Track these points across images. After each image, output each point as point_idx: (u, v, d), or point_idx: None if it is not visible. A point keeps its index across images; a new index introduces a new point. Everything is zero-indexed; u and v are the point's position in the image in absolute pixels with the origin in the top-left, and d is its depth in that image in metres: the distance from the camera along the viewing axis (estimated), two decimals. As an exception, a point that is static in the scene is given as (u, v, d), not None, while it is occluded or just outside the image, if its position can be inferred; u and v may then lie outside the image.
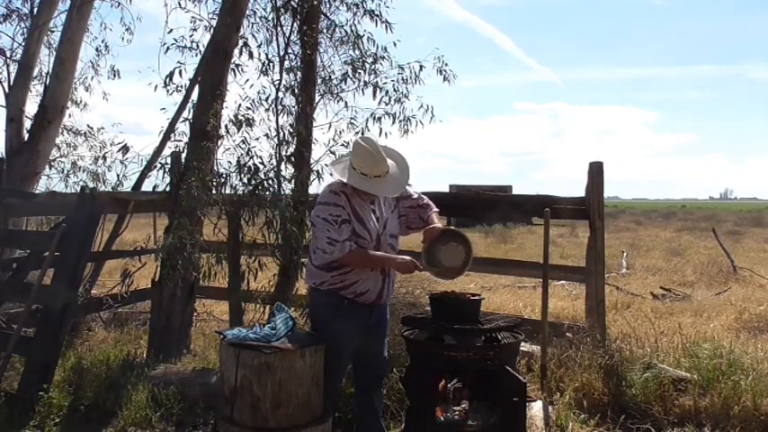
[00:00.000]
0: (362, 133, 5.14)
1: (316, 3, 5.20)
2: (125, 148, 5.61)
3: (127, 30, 8.44)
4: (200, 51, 5.70)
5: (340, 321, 3.13)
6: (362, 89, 5.28)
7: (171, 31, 5.48)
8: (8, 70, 7.40)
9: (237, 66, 5.11)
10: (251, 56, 5.12)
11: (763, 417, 3.87)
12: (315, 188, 5.08)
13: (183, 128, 5.47)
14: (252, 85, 5.05)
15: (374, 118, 5.21)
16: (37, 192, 6.63)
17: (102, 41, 8.44)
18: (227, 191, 4.95)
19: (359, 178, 3.03)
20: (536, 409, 3.97)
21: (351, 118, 5.24)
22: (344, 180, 3.07)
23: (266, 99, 4.99)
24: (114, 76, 8.44)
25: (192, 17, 5.62)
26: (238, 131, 4.82)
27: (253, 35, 5.24)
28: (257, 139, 4.89)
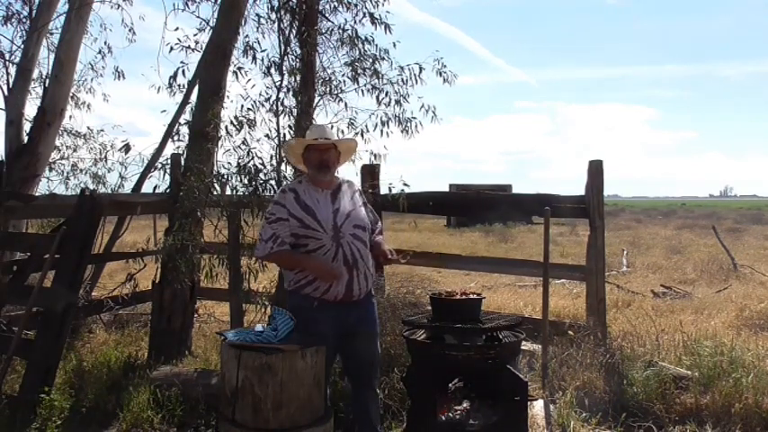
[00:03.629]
0: (363, 134, 5.14)
1: (312, 4, 5.19)
2: (127, 147, 5.63)
3: (129, 30, 8.48)
4: (198, 50, 5.72)
5: (312, 324, 3.10)
6: (362, 90, 5.28)
7: (177, 29, 5.49)
8: (7, 72, 7.40)
9: (240, 68, 5.11)
10: (246, 54, 5.12)
11: (764, 414, 3.87)
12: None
13: (183, 129, 5.50)
14: (254, 86, 5.05)
15: (381, 121, 5.19)
16: (37, 194, 6.64)
17: (105, 43, 8.47)
18: (228, 192, 4.95)
19: (305, 138, 3.35)
20: (537, 407, 3.98)
21: (351, 119, 5.24)
22: (295, 142, 3.37)
23: (267, 100, 4.99)
24: (119, 77, 8.46)
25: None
26: (239, 132, 4.82)
27: (257, 40, 5.23)
28: (258, 140, 4.89)
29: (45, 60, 7.68)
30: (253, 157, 4.80)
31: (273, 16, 5.25)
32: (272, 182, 4.86)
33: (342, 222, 3.16)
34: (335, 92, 5.30)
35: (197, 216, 5.00)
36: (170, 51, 5.42)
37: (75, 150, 8.38)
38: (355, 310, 3.21)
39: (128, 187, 6.65)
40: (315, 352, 2.95)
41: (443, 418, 3.28)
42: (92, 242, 4.71)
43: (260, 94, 5.00)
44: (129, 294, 6.09)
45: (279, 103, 4.99)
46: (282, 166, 4.94)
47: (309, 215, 3.12)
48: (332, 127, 5.16)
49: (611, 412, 4.05)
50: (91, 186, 7.67)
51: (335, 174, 3.40)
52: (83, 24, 7.06)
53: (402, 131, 5.25)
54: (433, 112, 5.30)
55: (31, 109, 7.11)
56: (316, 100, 5.28)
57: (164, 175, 5.32)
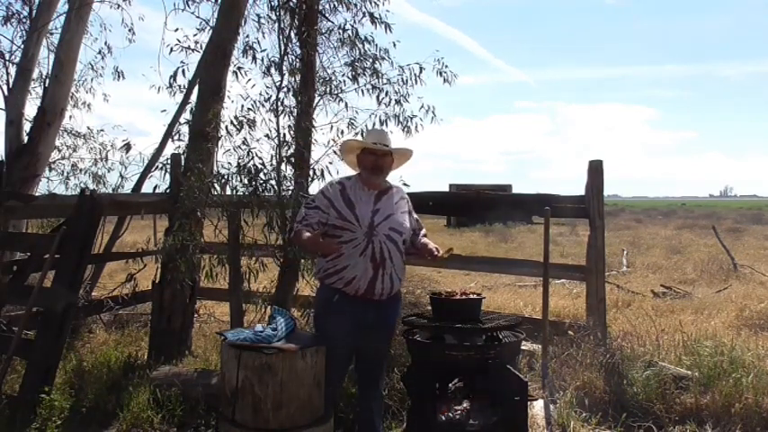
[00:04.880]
0: (362, 134, 5.14)
1: (312, 4, 5.19)
2: (127, 146, 5.63)
3: (129, 30, 8.49)
4: (198, 51, 5.72)
5: (331, 318, 3.21)
6: (362, 90, 5.27)
7: (177, 29, 5.49)
8: (7, 72, 7.40)
9: (240, 68, 5.11)
10: (246, 54, 5.12)
11: (764, 414, 3.88)
12: (315, 188, 5.08)
13: (183, 129, 5.50)
14: (254, 86, 5.05)
15: (379, 120, 5.20)
16: (37, 194, 6.63)
17: (105, 43, 8.48)
18: (228, 192, 4.95)
19: (365, 140, 3.48)
20: (537, 407, 3.98)
21: (350, 118, 5.24)
22: (358, 140, 3.54)
23: (267, 100, 4.98)
24: (118, 77, 8.46)
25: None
26: (239, 132, 4.82)
27: (257, 40, 5.23)
28: (258, 140, 4.89)
29: (45, 60, 7.70)
30: (253, 157, 4.80)
31: (273, 16, 5.25)
32: (272, 182, 4.86)
33: (379, 222, 3.22)
34: (335, 92, 5.29)
35: (197, 216, 5.00)
36: (170, 52, 5.42)
37: (75, 150, 8.40)
38: (374, 310, 3.23)
39: (128, 187, 6.67)
40: (315, 352, 2.95)
41: (443, 418, 3.28)
42: (92, 242, 4.71)
43: (260, 94, 4.99)
44: (129, 294, 6.09)
45: (279, 103, 4.98)
46: (282, 166, 4.94)
47: (349, 208, 3.21)
48: (332, 127, 5.18)
49: (611, 412, 4.05)
50: (91, 186, 7.68)
51: (387, 179, 3.43)
52: (83, 24, 7.06)
53: (402, 131, 5.25)
54: (433, 113, 5.31)
55: (31, 109, 7.11)
56: (316, 100, 5.28)
57: (164, 174, 5.33)
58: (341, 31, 5.36)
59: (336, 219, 3.20)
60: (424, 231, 3.52)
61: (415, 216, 3.51)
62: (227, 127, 4.87)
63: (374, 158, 3.30)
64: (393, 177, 4.90)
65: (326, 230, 3.23)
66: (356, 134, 5.14)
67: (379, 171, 3.31)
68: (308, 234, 3.15)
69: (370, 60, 5.26)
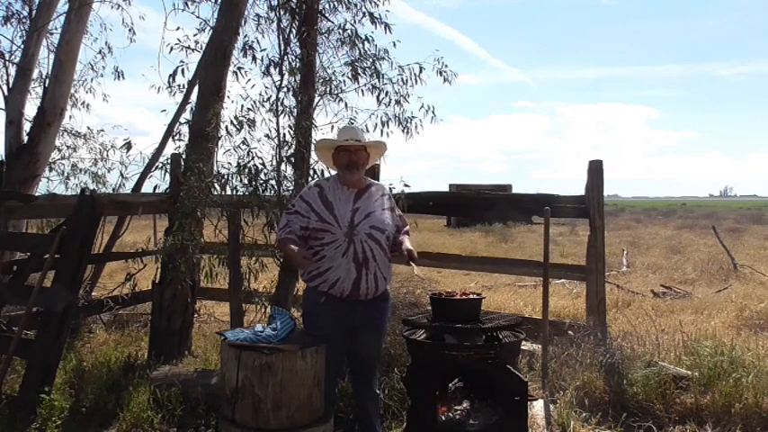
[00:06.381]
0: (363, 134, 5.14)
1: (311, 3, 5.19)
2: (128, 145, 5.63)
3: (129, 30, 8.49)
4: (198, 50, 5.72)
5: (319, 318, 3.22)
6: (362, 90, 5.28)
7: (178, 28, 5.49)
8: (7, 73, 7.40)
9: (240, 68, 5.12)
10: (246, 54, 5.12)
11: (764, 414, 3.87)
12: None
13: (183, 129, 5.50)
14: (254, 86, 5.05)
15: (380, 120, 5.21)
16: (37, 194, 6.64)
17: (105, 43, 8.48)
18: (228, 192, 4.95)
19: (334, 138, 3.48)
20: (537, 407, 3.98)
21: (351, 119, 5.24)
22: (331, 138, 3.50)
23: (267, 100, 4.99)
24: (118, 77, 8.45)
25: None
26: (239, 132, 4.82)
27: (256, 40, 5.23)
28: (258, 140, 4.89)
29: (45, 60, 7.70)
30: (253, 158, 4.80)
31: (273, 16, 5.25)
32: (272, 182, 4.86)
33: (359, 221, 3.20)
34: (335, 92, 5.29)
35: (197, 216, 5.00)
36: (170, 51, 5.43)
37: (75, 150, 8.40)
38: (361, 310, 3.23)
39: (128, 187, 6.67)
40: (315, 352, 2.95)
41: (443, 418, 3.28)
42: (92, 242, 4.71)
43: (260, 94, 4.99)
44: (129, 294, 6.09)
45: (279, 103, 4.98)
46: (282, 166, 4.94)
47: (327, 209, 3.21)
48: (332, 127, 5.18)
49: (611, 412, 4.05)
50: (91, 186, 7.68)
51: (366, 176, 3.43)
52: (83, 24, 7.06)
53: (402, 131, 5.26)
54: (433, 112, 5.31)
55: (31, 109, 7.12)
56: (316, 100, 5.28)
57: (164, 174, 5.33)
58: (341, 30, 5.36)
59: (317, 222, 3.20)
60: (406, 228, 3.49)
61: (399, 212, 3.48)
62: (227, 127, 4.88)
63: (348, 155, 3.29)
64: (394, 177, 4.96)
65: (309, 234, 3.22)
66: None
67: (355, 167, 3.30)
68: (292, 247, 3.15)
69: (370, 60, 5.26)
